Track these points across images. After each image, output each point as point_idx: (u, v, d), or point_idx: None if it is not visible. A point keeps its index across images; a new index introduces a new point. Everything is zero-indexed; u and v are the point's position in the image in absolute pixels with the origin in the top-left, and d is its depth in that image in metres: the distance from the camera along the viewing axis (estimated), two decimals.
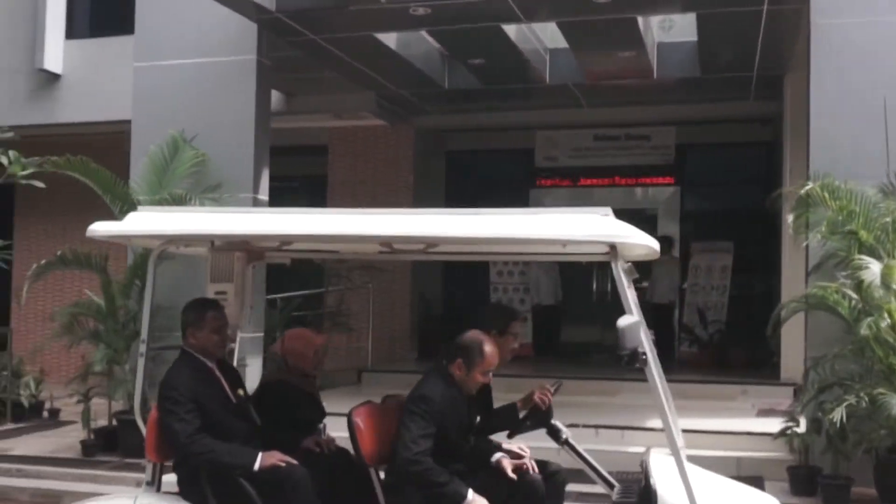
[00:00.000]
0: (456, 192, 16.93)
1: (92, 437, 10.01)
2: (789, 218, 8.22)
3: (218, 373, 5.20)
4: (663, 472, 4.84)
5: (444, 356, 5.17)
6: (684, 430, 9.36)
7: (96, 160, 10.47)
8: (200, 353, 5.15)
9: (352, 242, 5.24)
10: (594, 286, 16.70)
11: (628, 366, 4.62)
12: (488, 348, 5.12)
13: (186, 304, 5.34)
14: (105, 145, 12.78)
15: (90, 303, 10.04)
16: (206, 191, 9.83)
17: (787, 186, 10.10)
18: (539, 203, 16.75)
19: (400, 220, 4.85)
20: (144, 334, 5.29)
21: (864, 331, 7.35)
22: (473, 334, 5.17)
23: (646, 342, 4.50)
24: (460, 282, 16.22)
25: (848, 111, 8.60)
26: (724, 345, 14.73)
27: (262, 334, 10.55)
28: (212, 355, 5.17)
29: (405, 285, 15.31)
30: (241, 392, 5.28)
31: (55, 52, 14.20)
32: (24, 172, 11.06)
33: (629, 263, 4.91)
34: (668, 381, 12.88)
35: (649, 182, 16.39)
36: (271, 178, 16.24)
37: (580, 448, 5.57)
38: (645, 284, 15.37)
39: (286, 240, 5.22)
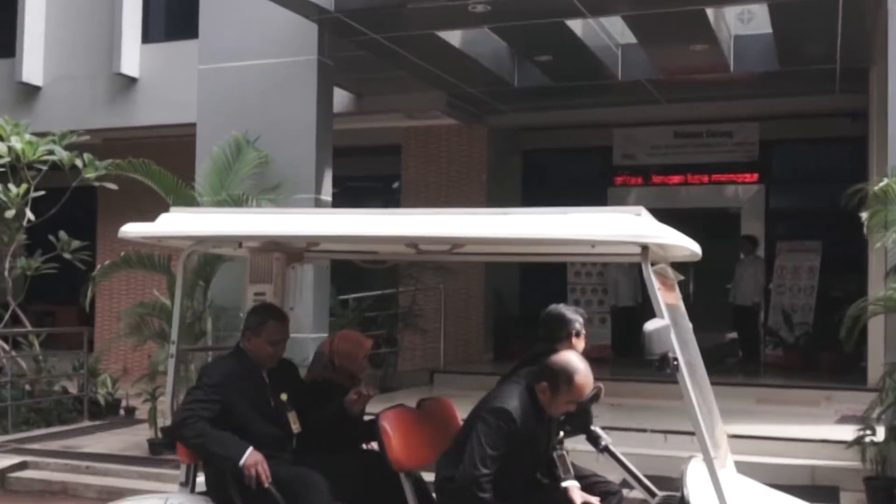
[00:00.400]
0: (533, 192, 16.72)
1: (158, 435, 10.09)
2: (863, 216, 7.80)
3: (265, 376, 5.11)
4: (699, 483, 4.59)
5: (531, 372, 4.81)
6: (757, 437, 9.22)
7: (173, 162, 10.58)
8: (253, 357, 5.07)
9: (377, 243, 5.11)
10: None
11: (659, 371, 4.34)
12: (580, 379, 4.68)
13: (253, 306, 5.32)
14: (180, 147, 12.89)
15: (156, 303, 10.12)
16: (263, 191, 9.81)
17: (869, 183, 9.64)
18: (618, 202, 16.43)
19: (424, 221, 4.70)
20: (174, 335, 5.26)
21: None
22: (566, 361, 4.73)
23: (676, 347, 4.28)
24: (537, 282, 15.98)
25: None
26: (810, 348, 14.21)
27: (325, 334, 10.49)
28: (262, 364, 5.08)
29: (479, 286, 15.16)
30: (283, 396, 5.17)
31: (132, 56, 14.46)
32: (91, 175, 11.31)
33: (658, 265, 4.65)
34: (751, 385, 12.56)
35: (732, 180, 15.90)
36: (345, 179, 16.37)
37: (620, 454, 5.35)
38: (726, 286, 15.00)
39: (311, 240, 5.12)
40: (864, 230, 7.75)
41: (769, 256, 15.18)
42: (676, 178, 16.11)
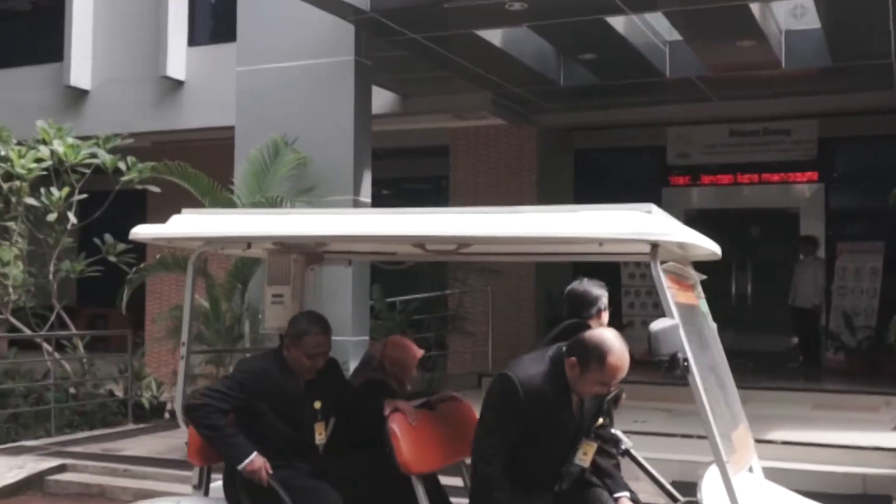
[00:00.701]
0: (585, 193, 16.45)
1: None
2: None
3: (301, 383, 4.91)
4: (715, 489, 4.37)
5: (561, 346, 4.39)
6: (809, 444, 8.89)
7: (219, 164, 10.56)
8: (291, 366, 4.87)
9: (382, 242, 4.97)
10: (732, 288, 15.90)
11: (668, 373, 4.13)
12: (613, 360, 4.23)
13: (297, 314, 5.07)
14: (227, 149, 12.88)
15: (196, 306, 10.09)
16: (299, 193, 9.74)
17: None
18: (673, 203, 16.10)
19: (430, 220, 4.57)
20: (185, 337, 5.16)
21: None
22: (601, 338, 4.28)
23: (687, 347, 4.08)
24: None
25: None
26: (873, 352, 13.76)
27: (366, 338, 10.41)
28: (300, 373, 4.86)
29: (530, 287, 14.92)
30: (317, 405, 4.94)
31: (178, 59, 14.52)
32: (134, 177, 11.34)
33: (668, 263, 4.43)
34: (808, 390, 12.14)
35: (791, 179, 15.47)
36: (394, 181, 16.32)
37: (641, 459, 5.13)
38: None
39: (318, 241, 5.00)
40: None
41: (830, 257, 14.72)
42: (732, 178, 15.73)
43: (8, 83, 15.67)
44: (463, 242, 4.62)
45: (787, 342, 15.14)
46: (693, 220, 16.17)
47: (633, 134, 15.82)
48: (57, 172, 11.32)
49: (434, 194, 15.96)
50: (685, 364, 4.06)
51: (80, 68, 15.28)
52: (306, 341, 4.75)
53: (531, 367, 4.33)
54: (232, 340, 9.78)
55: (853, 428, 9.75)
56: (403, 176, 16.30)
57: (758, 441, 9.03)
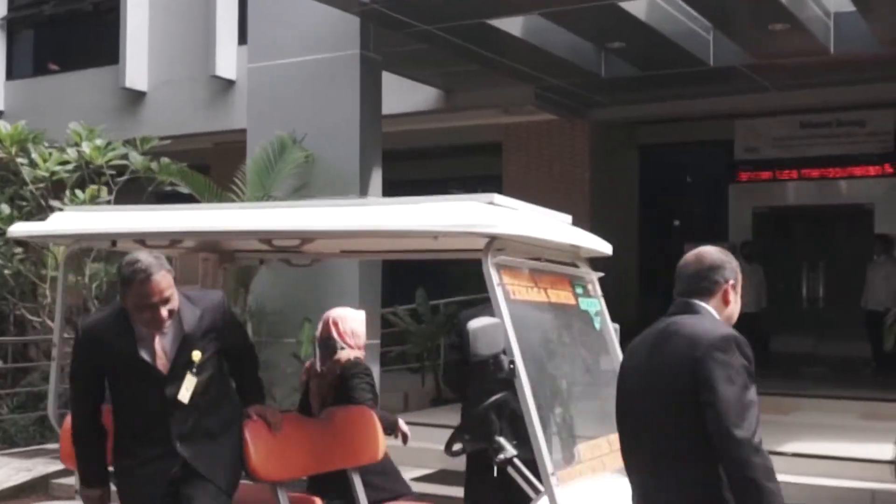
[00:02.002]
0: (650, 189, 15.86)
1: None
2: None
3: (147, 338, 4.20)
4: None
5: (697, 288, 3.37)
6: (816, 456, 8.21)
7: None
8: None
9: (226, 238, 4.72)
10: (803, 290, 15.02)
11: (494, 375, 3.77)
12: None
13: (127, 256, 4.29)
14: None
15: None
16: (305, 192, 9.54)
17: None
18: (741, 200, 15.36)
19: (271, 214, 4.37)
20: (56, 338, 5.00)
21: None
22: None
23: (516, 348, 3.70)
24: (657, 284, 15.08)
25: None
26: None
27: (377, 341, 10.15)
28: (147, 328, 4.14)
29: None
30: (195, 355, 4.20)
31: (228, 58, 14.52)
32: (164, 179, 11.29)
33: (501, 257, 4.01)
34: (858, 398, 11.31)
35: (865, 173, 14.50)
36: (444, 181, 15.99)
37: (525, 469, 4.66)
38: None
39: (170, 237, 4.76)
40: None
41: None
42: (804, 173, 14.87)
43: (68, 87, 15.99)
44: (304, 237, 4.35)
45: (860, 347, 14.20)
46: (762, 218, 15.44)
47: (699, 127, 15.11)
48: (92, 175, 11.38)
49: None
50: (511, 366, 3.73)
51: (136, 70, 15.45)
52: (132, 292, 4.02)
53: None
54: None
55: (887, 439, 8.98)
56: (457, 176, 15.97)
57: (787, 455, 8.55)
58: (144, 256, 4.04)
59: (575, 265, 4.65)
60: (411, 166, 17.47)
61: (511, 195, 13.80)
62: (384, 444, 5.11)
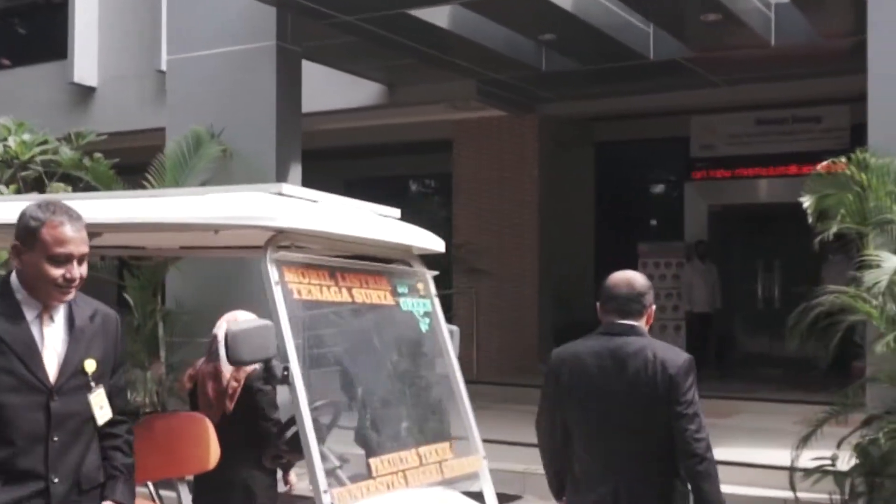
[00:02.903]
0: (606, 187, 15.56)
1: None
2: (805, 202, 6.52)
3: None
4: None
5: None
6: (735, 463, 7.91)
7: None
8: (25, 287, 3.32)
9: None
10: (759, 290, 14.71)
11: (270, 384, 3.52)
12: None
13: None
14: None
15: None
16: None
17: None
18: (696, 198, 15.06)
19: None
20: None
21: (879, 348, 5.58)
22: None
23: (292, 353, 3.42)
24: None
25: None
26: None
27: None
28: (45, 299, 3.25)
29: (532, 289, 14.08)
30: (88, 365, 3.27)
31: None
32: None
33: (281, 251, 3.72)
34: (797, 401, 10.95)
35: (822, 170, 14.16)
36: (395, 179, 15.73)
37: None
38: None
39: None
40: (809, 219, 6.46)
41: None
42: (760, 170, 14.55)
43: (18, 82, 15.69)
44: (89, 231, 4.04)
45: (817, 348, 13.86)
46: (718, 216, 15.14)
47: (656, 124, 14.80)
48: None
49: (440, 192, 15.30)
50: (285, 373, 3.44)
51: (85, 65, 15.18)
52: (45, 234, 3.15)
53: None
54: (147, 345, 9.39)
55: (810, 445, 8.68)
56: (408, 173, 15.71)
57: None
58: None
59: (408, 263, 4.36)
60: (368, 164, 17.23)
61: (462, 193, 13.62)
62: (216, 452, 4.80)
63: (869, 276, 5.51)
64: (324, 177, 18.41)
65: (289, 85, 9.70)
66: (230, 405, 5.07)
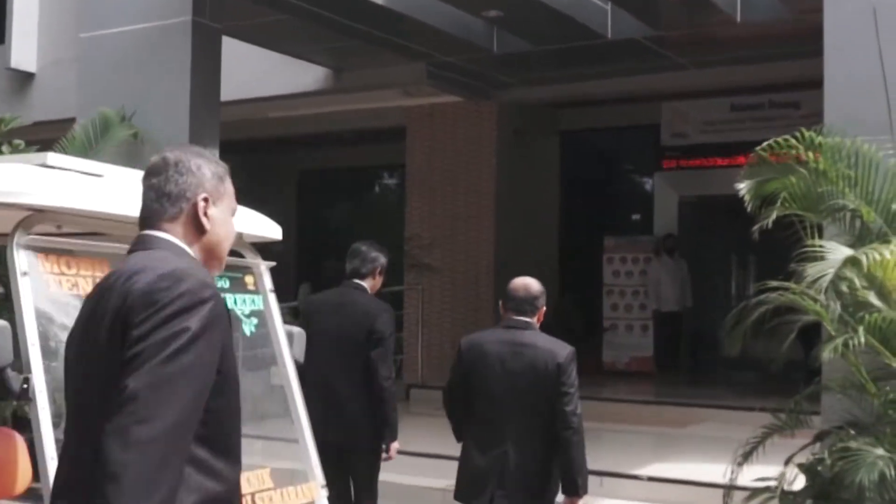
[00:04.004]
0: (572, 178, 14.77)
1: None
2: (741, 188, 5.76)
3: None
4: None
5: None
6: (675, 481, 7.15)
7: None
8: None
9: None
10: (732, 287, 13.90)
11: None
12: None
13: None
14: None
15: None
16: None
17: None
18: (667, 190, 14.25)
19: None
20: None
21: (826, 354, 4.80)
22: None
23: (36, 361, 2.69)
24: (569, 285, 14.01)
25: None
26: None
27: None
28: None
29: (487, 287, 13.22)
30: None
31: None
32: None
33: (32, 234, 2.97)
34: (770, 410, 10.19)
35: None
36: (352, 169, 14.96)
37: None
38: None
39: None
40: (748, 206, 5.69)
41: None
42: (734, 160, 13.70)
43: None
44: None
45: (793, 349, 13.06)
46: (689, 208, 14.35)
47: (625, 112, 14.01)
48: None
49: (395, 183, 14.52)
50: (25, 386, 2.84)
51: (24, 50, 14.39)
52: (229, 185, 2.68)
53: None
54: None
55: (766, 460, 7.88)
56: (364, 164, 14.93)
57: (624, 477, 7.50)
58: None
59: (240, 254, 3.59)
60: (323, 155, 16.53)
61: (416, 185, 12.72)
62: (28, 475, 4.06)
63: (811, 270, 4.71)
64: (276, 168, 17.81)
65: (206, 64, 8.88)
66: None
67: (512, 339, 4.79)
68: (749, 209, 5.64)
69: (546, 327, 5.02)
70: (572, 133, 14.56)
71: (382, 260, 5.75)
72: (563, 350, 4.75)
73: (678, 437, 9.30)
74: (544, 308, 4.94)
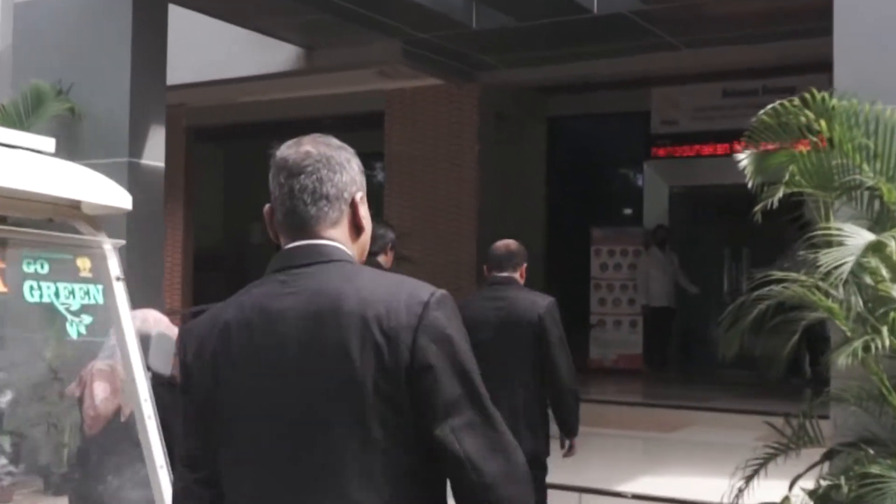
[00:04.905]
0: (560, 166, 14.00)
1: None
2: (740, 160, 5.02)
3: None
4: None
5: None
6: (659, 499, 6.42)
7: None
8: None
9: None
10: (725, 282, 13.12)
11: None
12: None
13: None
14: None
15: None
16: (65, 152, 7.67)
17: None
18: (656, 180, 13.50)
19: None
20: None
21: (842, 360, 4.02)
22: None
23: None
24: (554, 279, 13.21)
25: None
26: None
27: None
28: None
29: (469, 281, 12.45)
30: None
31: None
32: None
33: None
34: (766, 412, 9.46)
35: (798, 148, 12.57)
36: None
37: None
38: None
39: None
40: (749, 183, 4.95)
41: None
42: (726, 148, 12.92)
43: None
44: None
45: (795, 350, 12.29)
46: (680, 198, 13.61)
47: (614, 98, 13.25)
48: None
49: (374, 172, 13.71)
50: None
51: None
52: None
53: None
54: None
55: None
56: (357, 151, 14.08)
57: (607, 494, 6.75)
58: None
59: (73, 229, 2.79)
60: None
61: (396, 173, 11.89)
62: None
63: (827, 259, 3.94)
64: (251, 157, 17.00)
65: (149, 36, 8.11)
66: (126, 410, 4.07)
67: (494, 295, 5.01)
68: (750, 186, 4.82)
69: None
70: (559, 119, 13.81)
71: (391, 235, 5.74)
72: (543, 300, 4.95)
73: (668, 442, 8.54)
74: (525, 265, 5.14)
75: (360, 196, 2.14)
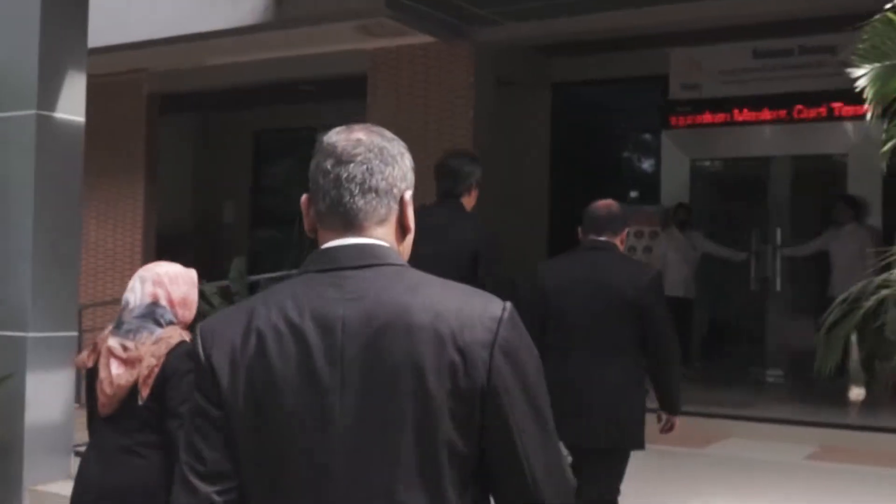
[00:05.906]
0: (565, 137, 12.56)
1: None
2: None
3: None
4: None
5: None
6: None
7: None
8: None
9: None
10: (751, 270, 11.64)
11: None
12: None
13: None
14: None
15: None
16: None
17: None
18: (674, 150, 12.06)
19: None
20: None
21: None
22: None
23: None
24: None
25: None
26: None
27: (73, 333, 6.97)
28: None
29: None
30: None
31: None
32: None
33: None
34: (819, 424, 8.31)
35: (838, 114, 11.10)
36: (310, 129, 12.84)
37: None
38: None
39: None
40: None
41: (889, 226, 10.39)
42: (758, 115, 11.50)
43: None
44: None
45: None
46: (703, 173, 12.24)
47: (627, 60, 11.80)
48: None
49: None
50: None
51: None
52: None
53: None
54: None
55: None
56: (323, 122, 12.70)
57: None
58: None
59: None
60: (278, 113, 14.58)
61: None
62: None
63: None
64: (228, 128, 15.68)
65: None
66: (145, 392, 3.70)
67: (590, 260, 4.70)
68: (870, 115, 3.64)
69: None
70: (565, 85, 12.39)
71: (479, 172, 5.24)
72: (646, 272, 4.80)
73: (701, 459, 7.10)
74: (627, 231, 4.93)
75: (410, 195, 1.98)
